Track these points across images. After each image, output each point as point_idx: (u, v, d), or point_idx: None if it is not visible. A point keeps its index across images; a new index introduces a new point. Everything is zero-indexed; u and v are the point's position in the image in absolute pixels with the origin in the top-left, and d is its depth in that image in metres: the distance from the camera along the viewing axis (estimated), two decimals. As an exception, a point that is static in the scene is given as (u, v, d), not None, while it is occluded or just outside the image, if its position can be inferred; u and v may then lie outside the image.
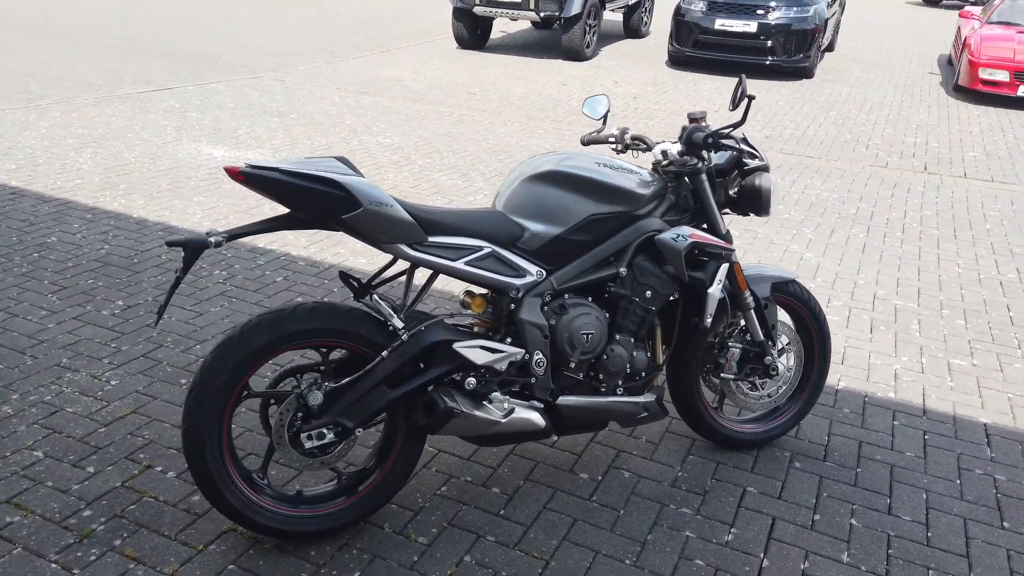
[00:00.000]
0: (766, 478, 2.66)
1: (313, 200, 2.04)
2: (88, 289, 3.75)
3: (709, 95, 9.32)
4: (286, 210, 2.11)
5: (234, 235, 2.08)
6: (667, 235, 2.39)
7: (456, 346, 2.20)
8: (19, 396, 2.89)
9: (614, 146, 2.72)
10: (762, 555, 2.31)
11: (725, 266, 2.46)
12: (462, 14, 11.13)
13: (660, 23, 14.38)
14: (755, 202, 2.55)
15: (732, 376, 2.67)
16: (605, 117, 2.79)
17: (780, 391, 2.77)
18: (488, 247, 2.25)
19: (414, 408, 2.26)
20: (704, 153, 2.48)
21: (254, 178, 2.03)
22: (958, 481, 2.70)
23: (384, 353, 2.17)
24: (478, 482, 2.57)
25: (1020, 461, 2.83)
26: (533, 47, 12.03)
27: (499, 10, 10.79)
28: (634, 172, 2.42)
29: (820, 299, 4.10)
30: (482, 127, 7.45)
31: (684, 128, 2.46)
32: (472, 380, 2.24)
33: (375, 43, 11.70)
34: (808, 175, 6.40)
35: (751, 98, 2.39)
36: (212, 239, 2.02)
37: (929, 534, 2.44)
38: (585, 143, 2.81)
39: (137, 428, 2.74)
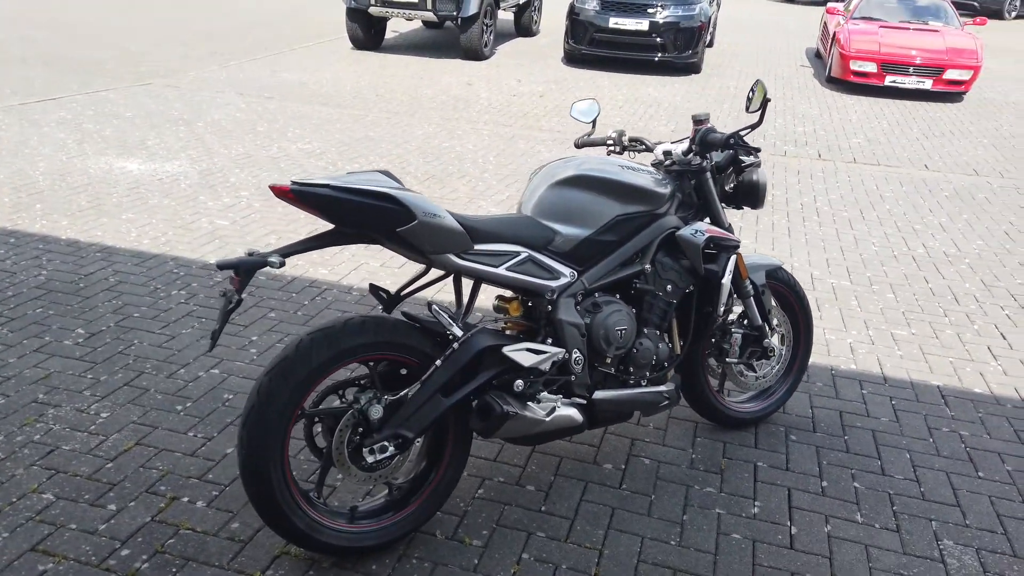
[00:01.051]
0: (771, 452, 2.87)
1: (367, 215, 2.04)
2: (40, 319, 3.52)
3: (609, 91, 9.64)
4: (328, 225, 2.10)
5: (286, 255, 2.05)
6: (686, 231, 2.53)
7: (505, 350, 2.25)
8: (4, 437, 2.69)
9: (612, 148, 2.84)
10: (789, 523, 2.50)
11: (734, 257, 2.63)
12: (356, 14, 10.96)
13: (547, 21, 14.67)
14: (751, 196, 2.73)
15: (735, 360, 2.85)
16: (595, 121, 2.90)
17: (774, 371, 2.98)
18: (525, 252, 2.31)
19: (464, 414, 2.30)
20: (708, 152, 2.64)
21: (305, 196, 2.02)
22: (931, 440, 3.00)
23: (438, 362, 2.19)
24: (511, 481, 2.63)
25: (976, 417, 3.17)
26: (429, 47, 12.01)
27: (395, 10, 10.71)
28: (651, 173, 2.55)
29: (767, 283, 4.40)
30: (399, 129, 7.42)
31: (696, 130, 2.61)
32: (520, 382, 2.30)
33: (266, 45, 11.34)
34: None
35: (768, 100, 2.54)
36: (272, 259, 1.98)
37: (922, 489, 2.71)
38: (579, 146, 2.92)
39: (147, 460, 2.63)
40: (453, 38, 12.35)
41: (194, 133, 6.86)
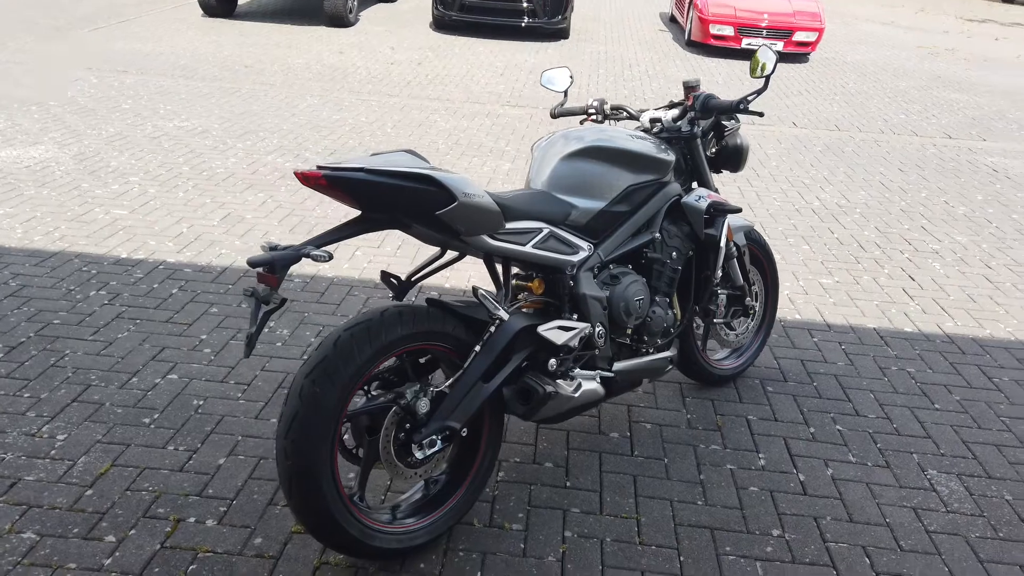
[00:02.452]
0: (756, 405, 3.00)
1: (406, 199, 1.92)
2: (-59, 334, 3.07)
3: (486, 58, 9.56)
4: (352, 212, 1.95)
5: (319, 246, 1.89)
6: (690, 198, 2.56)
7: (539, 329, 2.20)
8: (-51, 475, 2.34)
9: (594, 117, 2.81)
10: (795, 471, 2.64)
11: (727, 221, 2.70)
12: (208, -21, 10.20)
13: (404, -14, 14.29)
14: (734, 160, 2.80)
15: (721, 320, 2.95)
16: (567, 90, 2.86)
17: (750, 328, 3.10)
18: (546, 227, 2.26)
19: (497, 399, 2.23)
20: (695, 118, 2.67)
21: (340, 181, 1.86)
22: (886, 379, 3.25)
23: (477, 348, 2.11)
24: (528, 461, 2.60)
25: (915, 354, 3.47)
26: (288, 14, 11.38)
27: (251, -25, 10.04)
28: (655, 141, 2.55)
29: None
30: (281, 102, 7.01)
31: (695, 96, 2.62)
32: (553, 361, 2.26)
33: (108, 12, 10.32)
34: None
35: (775, 70, 2.57)
36: (315, 253, 1.82)
37: (895, 426, 2.93)
38: (555, 116, 2.87)
39: (131, 481, 2.37)
40: (313, 4, 11.77)
41: (51, 114, 6.16)
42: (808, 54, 10.79)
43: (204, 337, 3.21)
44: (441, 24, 11.14)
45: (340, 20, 10.57)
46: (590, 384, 2.38)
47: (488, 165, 5.71)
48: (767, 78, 2.56)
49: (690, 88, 2.67)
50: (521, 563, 2.17)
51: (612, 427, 2.80)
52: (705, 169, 2.72)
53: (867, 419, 2.96)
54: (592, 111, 2.80)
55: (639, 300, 2.43)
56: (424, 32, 10.98)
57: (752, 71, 2.58)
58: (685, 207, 2.56)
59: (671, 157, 2.55)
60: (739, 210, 2.70)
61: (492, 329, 2.14)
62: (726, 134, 2.79)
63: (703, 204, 2.56)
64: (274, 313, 1.86)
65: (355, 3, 10.91)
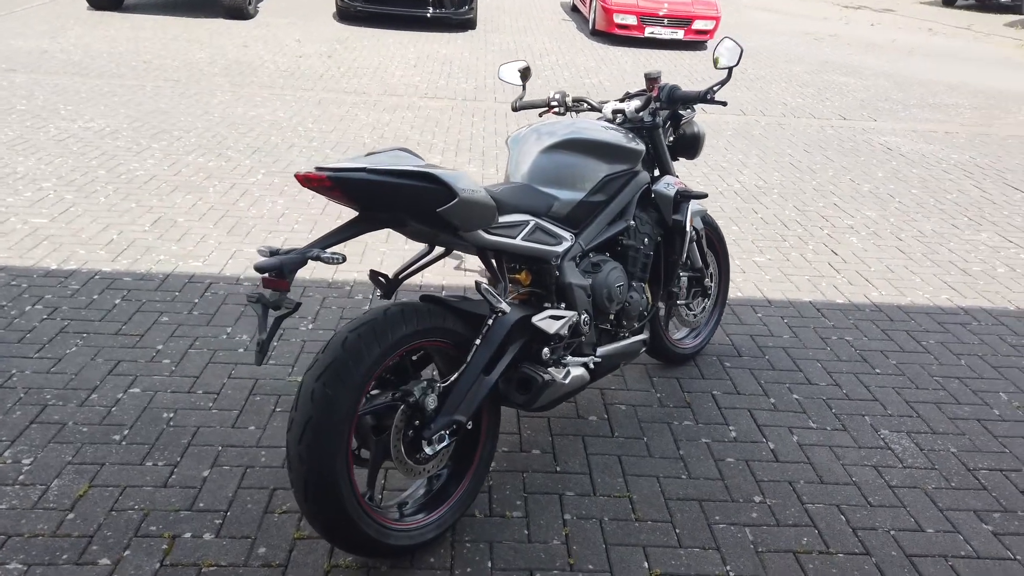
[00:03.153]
0: (718, 380, 3.15)
1: (408, 197, 1.92)
2: None
3: (397, 49, 9.47)
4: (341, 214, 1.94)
5: (325, 248, 1.88)
6: (659, 185, 2.66)
7: (534, 320, 2.24)
8: (-90, 511, 2.18)
9: (556, 109, 2.87)
10: (765, 440, 2.79)
11: (691, 206, 2.82)
12: (93, -30, 9.65)
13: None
14: (691, 147, 2.92)
15: (683, 301, 3.07)
16: (525, 84, 2.91)
17: (706, 307, 3.25)
18: (532, 220, 2.30)
19: (496, 390, 2.26)
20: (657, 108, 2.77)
21: (345, 182, 1.86)
22: (829, 348, 3.47)
23: (477, 341, 2.14)
24: (515, 449, 2.64)
25: (849, 324, 3.71)
26: (181, 6, 10.90)
27: (141, -35, 9.57)
28: (623, 132, 2.63)
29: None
30: (190, 99, 6.75)
31: (659, 87, 2.71)
32: (546, 350, 2.31)
33: (-20, 7, 9.60)
34: (524, 120, 6.99)
35: (739, 62, 2.67)
36: (325, 255, 1.80)
37: (844, 391, 3.14)
38: (517, 109, 2.91)
39: (114, 502, 2.27)
40: (205, -4, 11.32)
41: (-62, 117, 5.72)
42: (706, 41, 11.20)
43: (160, 348, 3.09)
44: (345, 15, 10.95)
45: (239, 11, 10.23)
46: (578, 370, 2.44)
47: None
48: (730, 69, 2.67)
49: (652, 79, 2.76)
50: (528, 549, 2.22)
51: (589, 411, 2.88)
52: (667, 157, 2.83)
53: (819, 387, 3.16)
54: (554, 103, 2.86)
55: (620, 286, 2.51)
56: (328, 23, 10.76)
57: (715, 63, 2.69)
58: (656, 194, 2.66)
59: (641, 147, 2.64)
60: (705, 195, 2.82)
61: (490, 322, 2.17)
62: (683, 123, 2.90)
63: (672, 191, 2.67)
64: (287, 317, 1.83)
65: (254, -6, 10.57)
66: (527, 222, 2.27)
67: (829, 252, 4.55)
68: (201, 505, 2.29)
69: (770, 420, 2.91)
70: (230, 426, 2.66)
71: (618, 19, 10.59)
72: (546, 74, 8.82)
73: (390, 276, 2.21)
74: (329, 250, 1.85)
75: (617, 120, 2.78)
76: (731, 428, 2.84)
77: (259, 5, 11.35)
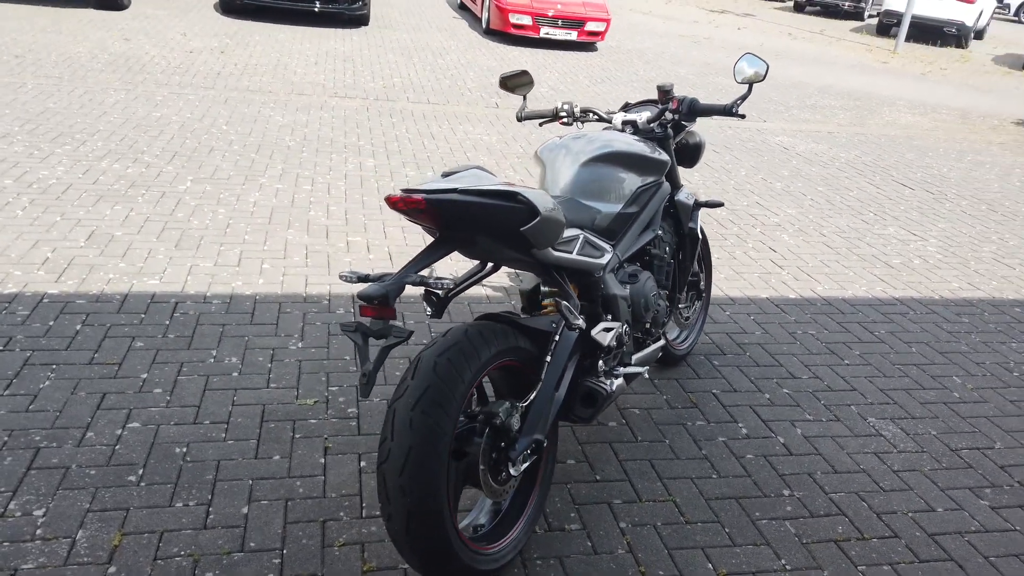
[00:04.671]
0: (714, 379, 3.28)
1: (495, 217, 1.90)
2: None
3: (293, 45, 9.13)
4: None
5: (417, 271, 1.82)
6: (681, 195, 2.73)
7: (592, 333, 2.26)
8: (-79, 582, 1.92)
9: (565, 120, 2.88)
10: (773, 435, 2.94)
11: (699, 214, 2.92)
12: (-60, -49, 8.65)
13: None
14: (692, 156, 3.02)
15: (684, 304, 3.17)
16: (526, 94, 2.90)
17: (696, 308, 3.37)
18: (581, 234, 2.32)
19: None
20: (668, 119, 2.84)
21: (440, 204, 1.81)
22: (799, 343, 3.69)
23: (548, 358, 2.13)
24: (551, 460, 2.65)
25: (807, 317, 3.96)
26: (43, -6, 10.00)
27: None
28: (649, 144, 2.68)
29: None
30: (81, 98, 6.23)
31: (679, 99, 2.77)
32: (601, 362, 2.33)
33: None
34: (457, 121, 6.97)
35: (764, 77, 2.72)
36: (432, 280, 1.75)
37: (826, 383, 3.35)
38: (521, 119, 2.91)
39: (156, 549, 2.09)
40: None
41: None
42: (597, 43, 11.50)
43: (145, 376, 2.85)
44: (229, 8, 10.43)
45: (112, 2, 9.51)
46: (620, 380, 2.48)
47: (351, 162, 5.53)
48: (751, 84, 2.77)
49: (665, 91, 2.83)
50: (597, 560, 2.24)
51: (607, 417, 2.93)
52: (675, 167, 2.91)
53: (802, 380, 3.36)
54: (563, 114, 2.87)
55: (654, 295, 2.57)
56: (211, 16, 10.20)
57: (736, 77, 2.78)
58: (678, 204, 2.74)
59: (666, 158, 2.70)
60: (722, 204, 2.93)
61: (557, 338, 2.16)
62: (684, 133, 2.99)
63: (691, 201, 2.76)
64: (397, 346, 1.75)
65: (127, -17, 9.85)
66: (577, 236, 2.29)
67: (768, 249, 4.82)
68: (252, 545, 2.15)
69: (772, 415, 3.07)
70: (252, 457, 2.50)
71: (514, 19, 10.68)
72: (451, 74, 8.77)
73: (442, 295, 2.17)
74: (434, 276, 1.80)
75: (627, 131, 2.83)
76: (740, 425, 2.98)
77: (131, -5, 10.59)
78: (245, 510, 2.28)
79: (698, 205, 2.87)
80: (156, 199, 4.49)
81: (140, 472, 2.38)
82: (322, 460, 2.53)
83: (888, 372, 3.50)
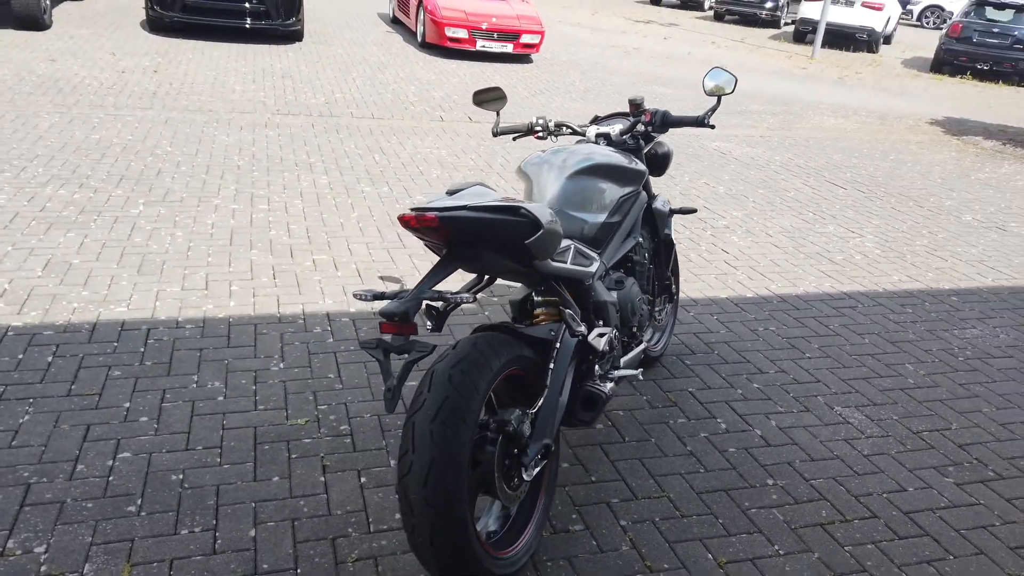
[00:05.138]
0: (688, 378, 3.40)
1: (502, 232, 1.96)
2: None
3: (227, 63, 8.99)
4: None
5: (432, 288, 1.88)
6: (658, 203, 2.84)
7: (589, 339, 2.34)
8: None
9: (540, 134, 2.97)
10: (751, 427, 3.08)
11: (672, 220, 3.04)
12: None
13: (89, -18, 12.71)
14: (662, 165, 3.14)
15: (659, 307, 3.29)
16: (499, 110, 2.98)
17: (667, 310, 3.49)
18: (572, 244, 2.40)
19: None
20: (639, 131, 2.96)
21: (452, 221, 1.87)
22: (760, 339, 3.85)
23: (552, 365, 2.20)
24: (546, 465, 2.71)
25: (765, 315, 4.13)
26: (-43, 14, 9.58)
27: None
28: (626, 154, 2.78)
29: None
30: (14, 122, 6.04)
31: (652, 112, 2.88)
32: (597, 367, 2.41)
33: None
34: (405, 136, 6.99)
35: (732, 91, 2.84)
36: (462, 296, 1.80)
37: (792, 376, 3.51)
38: (497, 134, 2.98)
39: (170, 579, 2.07)
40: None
41: None
42: (532, 55, 11.67)
43: (128, 405, 2.80)
44: (157, 26, 10.20)
45: (33, 21, 9.20)
46: (612, 383, 2.57)
47: (305, 180, 5.50)
48: (719, 97, 2.90)
49: (636, 104, 2.94)
50: (605, 559, 2.32)
51: (593, 420, 3.01)
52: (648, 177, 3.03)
53: (770, 374, 3.51)
54: (538, 128, 2.95)
55: (640, 300, 2.67)
56: (139, 35, 9.96)
57: (706, 90, 2.90)
58: (656, 212, 2.85)
59: (644, 168, 2.81)
60: (695, 211, 3.05)
61: (558, 345, 2.24)
62: (654, 144, 3.11)
63: (667, 208, 2.87)
64: (420, 361, 1.79)
65: (48, 2, 9.53)
66: (569, 246, 2.37)
67: (720, 251, 5.00)
68: (265, 567, 2.15)
69: (747, 409, 3.21)
70: (251, 480, 2.49)
71: (449, 32, 10.76)
72: (394, 88, 8.78)
73: (440, 309, 2.22)
74: (449, 291, 1.85)
75: (601, 143, 2.93)
76: (719, 421, 3.10)
77: (53, 14, 10.25)
78: (252, 533, 2.27)
79: (672, 212, 3.00)
80: (109, 224, 4.38)
81: (139, 502, 2.34)
82: (322, 478, 2.53)
83: (847, 363, 3.70)
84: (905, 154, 8.57)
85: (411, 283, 4.04)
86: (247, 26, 10.19)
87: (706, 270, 4.66)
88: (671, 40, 16.25)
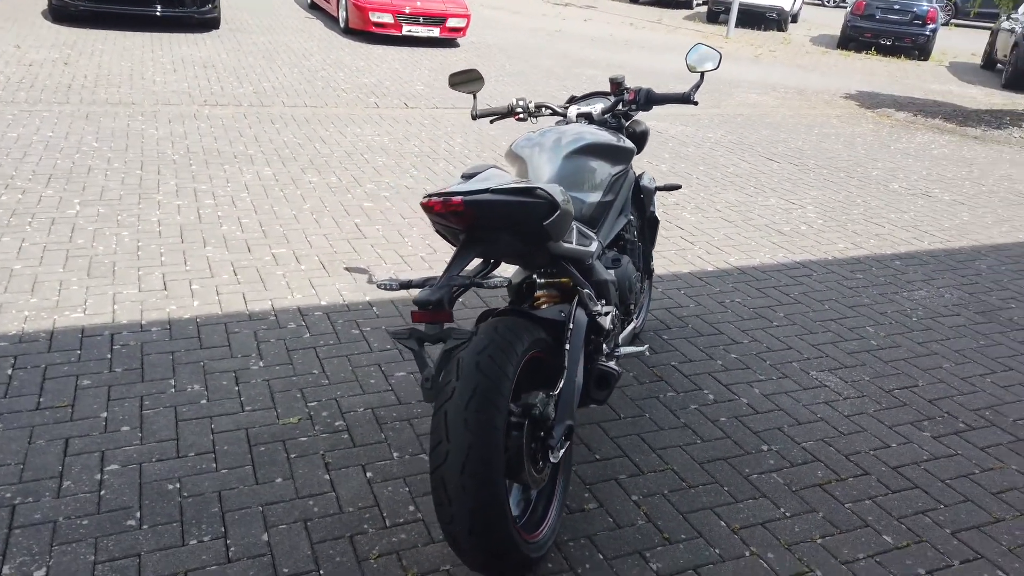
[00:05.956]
0: (668, 352, 3.45)
1: (522, 213, 1.94)
2: None
3: (143, 53, 8.58)
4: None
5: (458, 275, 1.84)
6: (645, 180, 2.85)
7: (598, 318, 2.34)
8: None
9: (521, 116, 2.94)
10: (737, 397, 3.14)
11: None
12: None
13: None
14: (639, 143, 3.14)
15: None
16: (476, 92, 2.93)
17: (646, 285, 3.53)
18: (574, 224, 2.38)
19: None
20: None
21: (477, 204, 1.84)
22: (729, 310, 3.94)
23: (567, 346, 2.18)
24: (549, 447, 2.71)
25: (729, 287, 4.23)
26: None
27: None
28: (615, 133, 2.78)
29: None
30: (-69, 122, 5.60)
31: (636, 90, 2.88)
32: (605, 346, 2.41)
33: None
34: (343, 123, 6.83)
35: (717, 67, 2.85)
36: (489, 282, 1.77)
37: (765, 345, 3.61)
38: (476, 117, 2.94)
39: (188, 592, 1.97)
40: None
41: None
42: (459, 39, 11.56)
43: (106, 415, 2.65)
44: (61, 15, 9.65)
45: (-76, 14, 8.52)
46: (615, 361, 2.58)
47: (248, 172, 5.30)
48: (702, 73, 2.91)
49: (617, 83, 2.94)
50: (623, 534, 2.33)
51: (586, 399, 3.02)
52: (630, 154, 3.04)
53: (744, 344, 3.60)
54: (519, 110, 2.92)
55: (635, 277, 2.68)
56: (43, 25, 9.40)
57: (689, 67, 2.90)
58: (643, 189, 2.86)
59: (632, 146, 2.82)
60: (680, 187, 3.08)
61: (572, 325, 2.22)
62: (631, 122, 3.12)
63: (653, 185, 2.89)
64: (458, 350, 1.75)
65: (-61, -8, 8.86)
66: (572, 227, 2.35)
67: (676, 228, 5.09)
68: (286, 571, 2.08)
69: (730, 379, 3.28)
70: (253, 483, 2.40)
71: (374, 17, 10.55)
72: (323, 75, 8.56)
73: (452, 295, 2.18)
74: (479, 275, 1.81)
75: (583, 123, 2.92)
76: (707, 392, 3.16)
77: (-57, 5, 9.55)
78: (265, 537, 2.19)
79: (661, 189, 3.02)
80: (47, 226, 4.13)
81: (138, 515, 2.22)
82: (326, 476, 2.46)
83: (813, 329, 3.82)
84: (827, 128, 8.89)
85: (379, 273, 3.95)
86: (158, 13, 9.75)
87: (666, 247, 4.73)
88: (591, 22, 16.38)
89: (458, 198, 1.81)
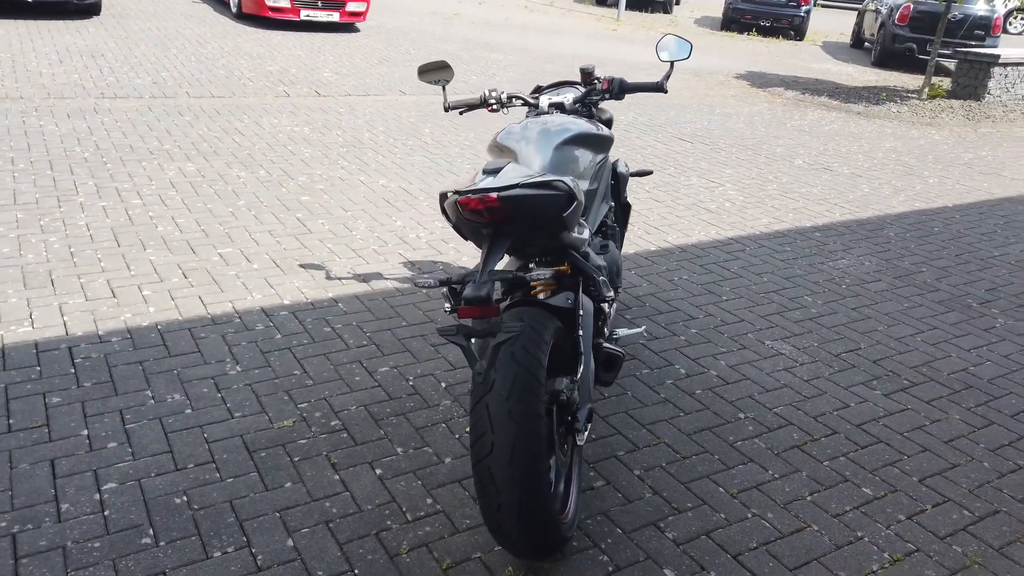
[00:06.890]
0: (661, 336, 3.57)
1: (547, 206, 1.99)
2: None
3: (22, 43, 7.99)
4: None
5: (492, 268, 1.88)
6: (620, 166, 2.93)
7: (601, 304, 2.41)
8: None
9: (494, 107, 2.96)
10: (706, 369, 3.30)
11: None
12: None
13: None
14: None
15: (606, 266, 3.41)
16: (445, 84, 2.95)
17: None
18: (576, 213, 2.45)
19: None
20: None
21: (511, 200, 1.88)
22: (680, 288, 4.11)
23: (580, 332, 2.25)
24: (546, 430, 2.77)
25: (675, 265, 4.41)
26: None
27: None
28: (594, 122, 2.84)
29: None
30: None
31: (609, 79, 2.94)
32: (606, 329, 2.49)
33: None
34: (256, 114, 6.61)
35: (688, 56, 2.93)
36: (533, 276, 1.80)
37: (719, 320, 3.80)
38: (449, 109, 2.96)
39: (227, 605, 1.93)
40: None
41: None
42: (358, 23, 11.33)
43: (87, 432, 2.52)
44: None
45: None
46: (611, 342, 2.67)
47: (169, 168, 5.07)
48: (672, 63, 3.00)
49: (588, 72, 3.00)
50: (634, 508, 2.43)
51: (568, 381, 3.10)
52: (603, 141, 3.12)
53: (700, 319, 3.78)
54: (492, 101, 2.94)
55: (620, 262, 2.77)
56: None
57: (659, 55, 2.99)
58: (619, 176, 2.94)
59: (612, 134, 2.89)
60: (652, 172, 3.18)
61: (581, 311, 2.29)
62: (598, 111, 3.20)
63: (628, 172, 2.98)
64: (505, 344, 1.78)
65: None
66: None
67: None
68: (321, 574, 2.06)
69: (696, 353, 3.44)
70: (263, 490, 2.35)
71: (270, 1, 10.19)
72: (222, 63, 8.22)
73: (458, 290, 2.20)
74: (536, 271, 1.86)
75: (555, 113, 2.97)
76: (678, 367, 3.31)
77: None
78: (290, 543, 2.16)
79: (634, 175, 3.12)
80: (4, 233, 3.83)
81: (151, 532, 2.14)
82: (336, 477, 2.44)
83: (758, 301, 4.05)
84: (728, 108, 9.30)
85: (336, 269, 3.89)
86: (30, 1, 9.08)
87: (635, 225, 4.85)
88: (485, 5, 16.38)
89: (493, 194, 1.83)
